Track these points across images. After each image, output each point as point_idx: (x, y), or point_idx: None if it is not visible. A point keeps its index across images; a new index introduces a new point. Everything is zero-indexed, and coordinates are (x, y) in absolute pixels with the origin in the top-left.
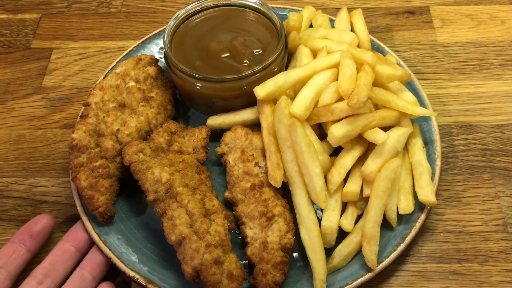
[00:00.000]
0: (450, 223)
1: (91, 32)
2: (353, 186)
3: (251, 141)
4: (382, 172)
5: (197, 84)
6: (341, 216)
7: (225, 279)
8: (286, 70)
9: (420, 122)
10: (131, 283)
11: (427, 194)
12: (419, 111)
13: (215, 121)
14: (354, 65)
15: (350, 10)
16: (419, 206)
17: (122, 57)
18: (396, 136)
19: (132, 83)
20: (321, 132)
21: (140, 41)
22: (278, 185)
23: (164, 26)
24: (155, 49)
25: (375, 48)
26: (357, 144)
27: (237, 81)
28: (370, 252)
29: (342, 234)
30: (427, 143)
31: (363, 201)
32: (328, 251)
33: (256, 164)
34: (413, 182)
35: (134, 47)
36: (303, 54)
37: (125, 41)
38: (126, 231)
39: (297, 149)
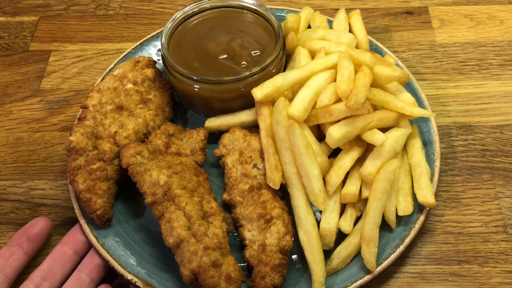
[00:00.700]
0: (449, 224)
1: (89, 34)
2: (351, 187)
3: (249, 142)
4: (381, 174)
5: (195, 86)
6: (340, 218)
7: (223, 282)
8: (284, 71)
9: (419, 123)
10: (129, 285)
11: (426, 195)
12: (417, 111)
13: (213, 123)
14: (352, 66)
15: (348, 11)
16: (418, 207)
17: (120, 59)
18: (395, 137)
19: (130, 85)
20: (319, 133)
21: (138, 43)
22: (277, 187)
23: (162, 28)
24: (153, 51)
25: (373, 49)
26: (356, 145)
27: (235, 82)
28: (369, 254)
29: (341, 236)
30: (426, 144)
31: (362, 202)
32: (327, 253)
33: (255, 166)
34: (412, 183)
35: (132, 49)
36: (301, 55)
37: (123, 43)
38: (124, 234)
39: (295, 151)
